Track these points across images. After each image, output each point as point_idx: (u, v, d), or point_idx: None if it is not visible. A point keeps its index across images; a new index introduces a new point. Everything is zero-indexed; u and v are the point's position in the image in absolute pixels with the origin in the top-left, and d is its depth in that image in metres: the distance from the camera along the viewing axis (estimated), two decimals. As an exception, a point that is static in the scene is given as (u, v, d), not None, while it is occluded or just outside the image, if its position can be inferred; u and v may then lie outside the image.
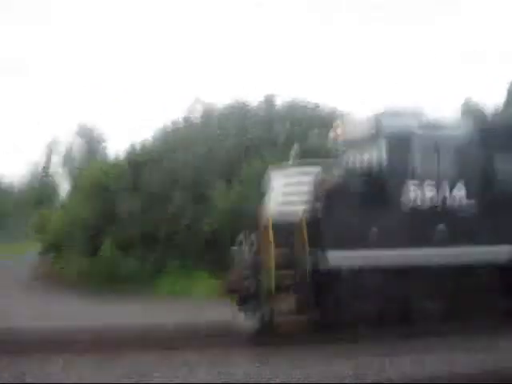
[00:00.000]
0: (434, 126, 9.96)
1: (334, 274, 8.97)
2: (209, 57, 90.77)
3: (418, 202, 9.46)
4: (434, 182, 9.57)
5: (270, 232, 9.06)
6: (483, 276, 9.61)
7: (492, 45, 79.53)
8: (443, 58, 77.39)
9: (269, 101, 21.37)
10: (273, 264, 8.88)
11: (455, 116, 10.49)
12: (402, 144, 9.59)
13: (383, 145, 9.59)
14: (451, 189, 9.65)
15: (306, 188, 9.56)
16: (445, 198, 9.60)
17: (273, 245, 8.98)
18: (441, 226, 9.48)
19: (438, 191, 9.57)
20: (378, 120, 9.88)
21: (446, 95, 64.32)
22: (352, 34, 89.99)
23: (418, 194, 9.48)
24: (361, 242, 9.06)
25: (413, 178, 9.49)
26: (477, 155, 9.95)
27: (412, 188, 9.45)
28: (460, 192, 9.68)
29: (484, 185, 9.88)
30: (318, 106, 21.51)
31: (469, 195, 9.70)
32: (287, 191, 9.73)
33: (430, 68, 79.85)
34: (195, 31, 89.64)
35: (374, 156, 9.71)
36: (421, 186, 9.50)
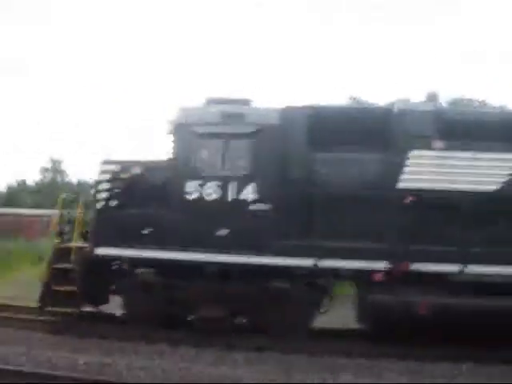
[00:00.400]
0: (238, 118, 8.98)
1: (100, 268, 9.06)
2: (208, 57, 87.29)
3: (197, 204, 8.78)
4: (216, 182, 8.75)
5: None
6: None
7: (492, 45, 72.06)
8: (443, 58, 70.52)
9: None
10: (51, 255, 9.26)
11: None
12: (187, 137, 8.91)
13: (173, 137, 9.06)
14: (240, 188, 8.71)
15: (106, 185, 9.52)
16: (231, 198, 8.72)
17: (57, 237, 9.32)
18: (223, 228, 8.69)
19: (223, 190, 8.74)
20: (182, 109, 9.29)
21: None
22: (352, 34, 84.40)
23: (199, 194, 8.79)
24: (132, 239, 8.87)
25: (195, 175, 8.81)
26: (273, 152, 8.75)
27: (192, 187, 8.80)
28: (250, 192, 8.70)
29: (279, 184, 8.69)
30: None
31: (261, 195, 8.66)
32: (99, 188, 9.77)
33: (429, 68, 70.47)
34: (194, 33, 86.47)
35: (169, 150, 9.22)
36: (203, 185, 8.78)
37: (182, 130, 8.98)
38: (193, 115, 9.17)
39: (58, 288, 9.06)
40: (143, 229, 8.88)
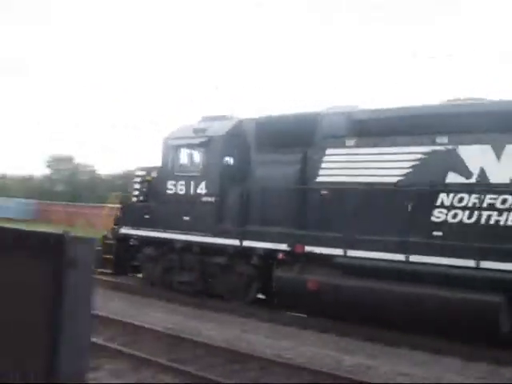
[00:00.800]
0: (201, 132, 11.78)
1: (123, 242, 12.96)
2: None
3: (173, 197, 11.91)
4: (183, 181, 11.73)
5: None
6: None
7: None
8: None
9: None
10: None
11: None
12: (168, 148, 12.13)
13: (161, 148, 12.40)
14: (196, 185, 11.53)
15: (137, 186, 13.44)
16: (192, 193, 11.60)
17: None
18: (187, 215, 11.63)
19: (187, 187, 11.68)
20: (170, 128, 12.64)
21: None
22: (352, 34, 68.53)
23: (174, 190, 11.91)
24: (139, 223, 12.55)
25: (172, 176, 11.98)
26: (219, 157, 11.30)
27: (170, 185, 11.97)
28: (202, 188, 11.45)
29: (221, 181, 11.22)
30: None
31: (208, 190, 11.33)
32: (134, 187, 13.75)
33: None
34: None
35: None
36: (176, 183, 11.87)
37: (165, 143, 12.22)
38: (173, 131, 12.32)
39: (105, 256, 13.27)
40: (144, 216, 12.43)
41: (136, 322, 9.00)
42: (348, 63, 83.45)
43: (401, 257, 8.91)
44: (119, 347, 7.49)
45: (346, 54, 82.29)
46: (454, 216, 8.69)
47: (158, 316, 10.07)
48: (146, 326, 8.82)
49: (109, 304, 10.42)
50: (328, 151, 10.20)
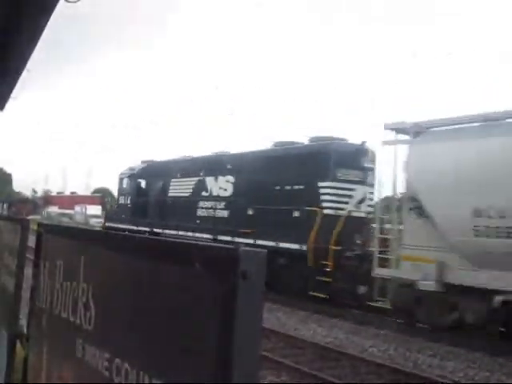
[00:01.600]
0: (133, 170, 22.04)
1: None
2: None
3: (125, 205, 22.46)
4: (126, 196, 22.24)
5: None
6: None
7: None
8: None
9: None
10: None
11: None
12: (124, 177, 22.73)
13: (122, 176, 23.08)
14: (126, 199, 21.94)
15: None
16: (126, 203, 22.03)
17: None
18: (126, 213, 22.09)
19: (126, 200, 22.13)
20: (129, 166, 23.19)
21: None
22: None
23: (124, 201, 22.46)
24: (119, 219, 23.37)
25: (123, 193, 22.60)
26: (133, 184, 21.52)
27: (124, 199, 22.56)
28: (127, 200, 21.85)
29: (133, 197, 21.48)
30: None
31: (129, 201, 21.71)
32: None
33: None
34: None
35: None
36: (126, 197, 22.42)
37: (121, 175, 22.80)
38: (126, 168, 22.80)
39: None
40: (122, 213, 23.12)
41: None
42: (347, 63, 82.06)
43: (189, 233, 18.12)
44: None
45: (345, 54, 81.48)
46: (204, 212, 17.69)
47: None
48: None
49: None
50: (173, 180, 19.71)
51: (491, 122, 10.41)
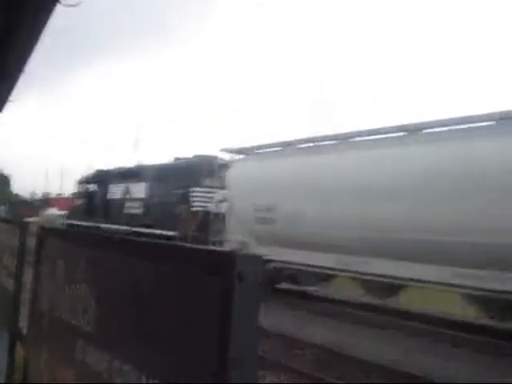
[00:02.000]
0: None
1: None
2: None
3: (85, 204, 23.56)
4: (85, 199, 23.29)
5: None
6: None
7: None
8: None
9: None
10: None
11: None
12: (82, 183, 25.04)
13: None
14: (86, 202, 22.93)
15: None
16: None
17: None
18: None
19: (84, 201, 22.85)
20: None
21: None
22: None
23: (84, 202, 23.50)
24: (75, 217, 24.53)
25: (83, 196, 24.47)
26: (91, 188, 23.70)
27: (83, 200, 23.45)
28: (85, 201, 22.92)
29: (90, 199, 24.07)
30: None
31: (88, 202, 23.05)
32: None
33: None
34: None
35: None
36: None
37: (78, 181, 25.46)
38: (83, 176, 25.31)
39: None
40: (78, 212, 24.06)
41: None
42: (348, 63, 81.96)
43: (117, 226, 22.47)
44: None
45: (345, 53, 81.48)
46: (127, 210, 22.61)
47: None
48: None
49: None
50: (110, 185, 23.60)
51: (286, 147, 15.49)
